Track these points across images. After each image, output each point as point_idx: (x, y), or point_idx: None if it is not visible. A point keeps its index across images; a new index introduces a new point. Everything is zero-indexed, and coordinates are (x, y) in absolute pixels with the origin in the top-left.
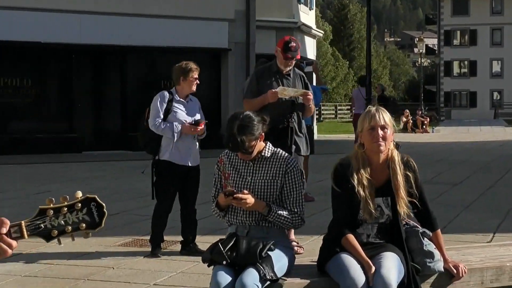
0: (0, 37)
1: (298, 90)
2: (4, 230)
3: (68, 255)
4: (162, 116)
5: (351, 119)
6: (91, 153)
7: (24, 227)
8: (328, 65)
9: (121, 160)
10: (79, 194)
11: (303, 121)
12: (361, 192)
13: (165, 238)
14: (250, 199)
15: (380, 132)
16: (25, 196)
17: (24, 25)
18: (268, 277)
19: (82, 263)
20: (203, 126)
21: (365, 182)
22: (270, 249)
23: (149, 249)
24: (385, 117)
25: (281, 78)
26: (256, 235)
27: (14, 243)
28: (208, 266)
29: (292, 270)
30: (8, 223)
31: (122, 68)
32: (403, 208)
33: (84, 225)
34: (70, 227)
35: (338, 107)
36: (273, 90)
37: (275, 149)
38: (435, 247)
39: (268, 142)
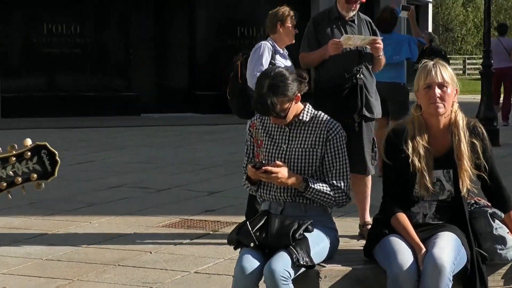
0: None
1: (366, 37)
2: None
3: (100, 236)
4: None
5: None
6: (151, 115)
7: None
8: (455, 6)
9: (186, 125)
10: (28, 141)
11: (374, 77)
12: (417, 163)
13: (219, 218)
14: (282, 173)
15: (438, 91)
16: (64, 167)
17: None
18: (301, 262)
19: (115, 246)
20: None
21: (421, 151)
22: (307, 230)
23: (198, 231)
24: (444, 73)
25: (344, 25)
26: (292, 213)
27: None
28: (235, 248)
29: (335, 256)
30: None
31: (190, 12)
32: (467, 182)
33: (35, 175)
34: (20, 178)
35: (468, 60)
36: (335, 40)
37: (316, 112)
38: (508, 231)
39: (308, 104)
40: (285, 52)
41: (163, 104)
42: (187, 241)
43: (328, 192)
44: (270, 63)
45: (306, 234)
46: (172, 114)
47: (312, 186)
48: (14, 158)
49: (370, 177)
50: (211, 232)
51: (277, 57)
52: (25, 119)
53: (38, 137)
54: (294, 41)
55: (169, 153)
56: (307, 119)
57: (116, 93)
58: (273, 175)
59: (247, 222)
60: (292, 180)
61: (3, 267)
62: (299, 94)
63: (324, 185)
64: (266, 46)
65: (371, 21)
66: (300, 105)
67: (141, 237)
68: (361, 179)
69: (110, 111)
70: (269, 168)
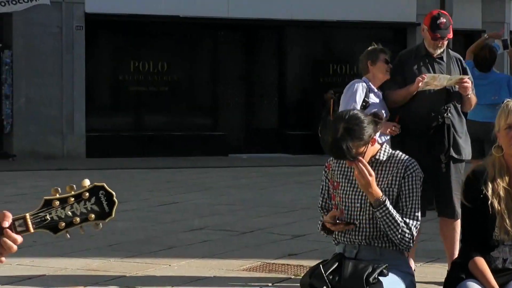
0: (129, 10)
1: (453, 77)
2: (7, 224)
3: (179, 279)
4: None
5: None
6: (239, 156)
7: (29, 220)
8: None
9: (274, 166)
10: (87, 182)
11: (463, 117)
12: (496, 205)
13: (302, 262)
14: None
15: None
16: (146, 208)
17: None
18: None
19: None
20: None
21: (501, 193)
22: (382, 274)
23: (280, 275)
24: None
25: (432, 63)
26: (367, 256)
27: (19, 238)
28: None
29: None
30: (10, 216)
31: (280, 49)
32: None
33: (93, 215)
34: (78, 218)
35: None
36: (423, 76)
37: (393, 151)
38: None
39: (385, 144)
40: (379, 92)
41: (252, 144)
42: (268, 285)
43: (398, 221)
44: (364, 101)
45: (380, 278)
46: (261, 154)
47: (387, 205)
48: (73, 199)
49: (459, 221)
50: (292, 277)
51: (371, 95)
52: (109, 159)
53: (122, 178)
54: (389, 77)
55: (255, 195)
56: (384, 159)
57: (204, 132)
58: (364, 170)
59: (320, 265)
60: (374, 188)
61: None
62: (375, 137)
63: (397, 214)
64: (360, 84)
65: (461, 59)
66: (376, 146)
67: (220, 280)
68: (450, 223)
69: (197, 151)
70: (363, 162)
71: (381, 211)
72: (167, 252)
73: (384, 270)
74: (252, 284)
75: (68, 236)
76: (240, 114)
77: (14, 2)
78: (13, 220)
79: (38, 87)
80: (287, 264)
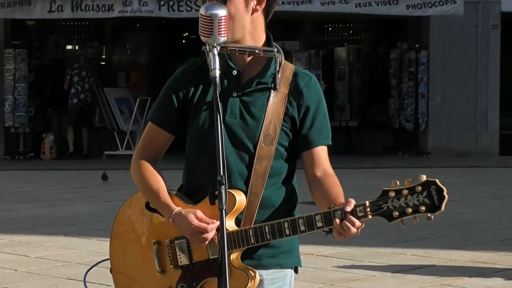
0: None
1: None
2: (349, 208)
3: None
4: None
5: None
6: None
7: (368, 207)
8: None
9: None
10: (423, 177)
11: None
12: None
13: None
14: None
15: None
16: None
17: None
18: None
19: None
20: None
21: None
22: None
23: None
24: None
25: None
26: None
27: (357, 222)
28: None
29: None
30: (353, 202)
31: None
32: None
33: (423, 208)
34: (410, 209)
35: None
36: None
37: None
38: None
39: None
40: None
41: None
42: None
43: None
44: None
45: None
46: None
47: None
48: (407, 191)
49: None
50: None
51: None
52: None
53: None
54: None
55: None
56: None
57: None
58: None
59: None
60: None
61: None
62: None
63: None
64: None
65: None
66: None
67: None
68: None
69: None
70: None
71: None
72: None
73: None
74: None
75: (403, 225)
76: None
77: (429, 5)
78: (355, 206)
79: (453, 85)
80: None
